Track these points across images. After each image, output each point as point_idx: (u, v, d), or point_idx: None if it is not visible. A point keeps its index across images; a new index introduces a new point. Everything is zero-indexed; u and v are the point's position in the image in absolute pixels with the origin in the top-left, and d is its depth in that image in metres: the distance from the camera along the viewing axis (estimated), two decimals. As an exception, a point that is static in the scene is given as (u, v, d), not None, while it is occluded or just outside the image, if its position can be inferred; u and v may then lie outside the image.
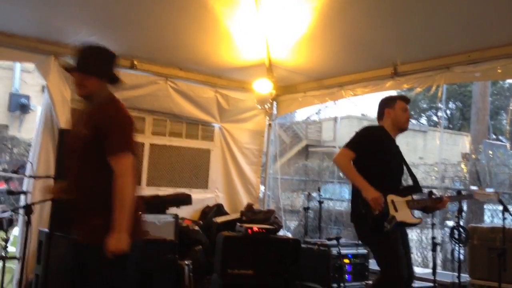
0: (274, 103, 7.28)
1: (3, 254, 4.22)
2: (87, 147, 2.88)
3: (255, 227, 5.15)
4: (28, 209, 3.78)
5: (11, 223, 4.38)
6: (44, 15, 5.12)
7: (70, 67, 3.04)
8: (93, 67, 3.00)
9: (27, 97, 15.92)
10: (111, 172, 2.82)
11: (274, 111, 7.33)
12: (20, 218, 4.60)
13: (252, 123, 7.29)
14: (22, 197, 5.02)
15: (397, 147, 4.26)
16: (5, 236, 4.32)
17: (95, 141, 2.84)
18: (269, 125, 7.35)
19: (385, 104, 4.29)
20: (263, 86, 6.83)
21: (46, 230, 4.59)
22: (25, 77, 15.84)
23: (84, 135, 2.88)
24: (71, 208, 2.96)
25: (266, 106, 7.22)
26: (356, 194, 4.00)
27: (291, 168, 15.22)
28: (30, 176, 4.98)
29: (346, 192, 11.10)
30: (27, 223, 3.92)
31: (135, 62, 6.01)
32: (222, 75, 6.80)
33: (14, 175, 4.64)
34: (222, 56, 6.30)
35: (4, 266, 4.22)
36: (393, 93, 5.47)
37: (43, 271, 4.49)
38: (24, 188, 5.15)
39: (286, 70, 6.57)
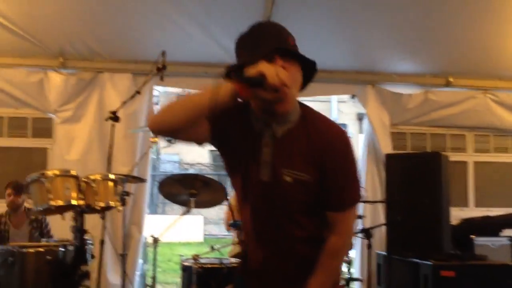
0: None
1: (347, 276, 4.54)
2: (304, 198, 1.82)
3: None
4: (368, 233, 4.01)
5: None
6: (359, 48, 5.44)
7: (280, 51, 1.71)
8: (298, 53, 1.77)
9: (345, 125, 17.13)
10: (323, 227, 1.87)
11: None
12: (359, 241, 4.90)
13: None
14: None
15: None
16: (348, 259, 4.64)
17: (317, 190, 1.80)
18: None
19: None
20: None
21: (384, 253, 4.78)
22: (341, 107, 17.07)
23: (304, 179, 1.78)
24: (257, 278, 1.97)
25: None
26: None
27: None
28: (365, 201, 5.27)
29: None
30: (368, 246, 4.15)
31: (451, 79, 5.85)
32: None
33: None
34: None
35: (348, 288, 4.52)
36: None
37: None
38: (360, 213, 5.48)
39: None
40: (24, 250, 3.48)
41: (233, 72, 1.64)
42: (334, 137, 1.81)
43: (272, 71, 1.63)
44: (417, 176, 4.79)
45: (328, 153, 1.78)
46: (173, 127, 1.73)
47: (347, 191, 1.85)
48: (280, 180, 1.79)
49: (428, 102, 5.92)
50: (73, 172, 3.50)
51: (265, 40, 1.73)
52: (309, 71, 1.80)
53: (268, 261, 1.91)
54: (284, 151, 1.80)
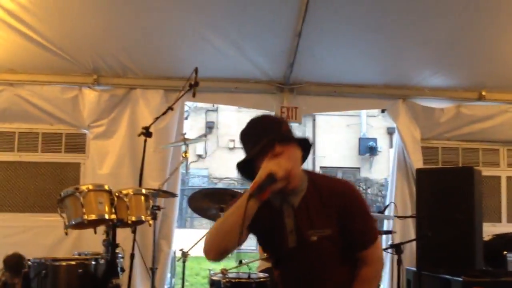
0: None
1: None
2: (332, 249, 2.15)
3: None
4: (398, 248, 3.96)
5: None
6: (390, 63, 5.41)
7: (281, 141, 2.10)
8: (291, 137, 2.16)
9: (375, 140, 16.95)
10: (353, 263, 2.21)
11: None
12: (389, 257, 4.86)
13: None
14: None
15: None
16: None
17: (340, 239, 2.14)
18: None
19: None
20: None
21: (414, 268, 4.71)
22: (370, 121, 16.94)
23: (327, 234, 2.11)
24: None
25: None
26: None
27: None
28: (396, 216, 5.23)
29: None
30: (398, 262, 4.10)
31: (483, 93, 5.77)
32: None
33: (381, 216, 4.92)
34: None
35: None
36: None
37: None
38: (387, 228, 5.47)
39: None
40: (57, 263, 3.52)
41: (252, 194, 1.96)
42: (342, 189, 2.16)
43: (276, 166, 1.98)
44: (449, 191, 4.72)
45: (341, 204, 2.11)
46: (228, 250, 2.09)
47: (366, 231, 2.17)
48: (307, 241, 2.12)
49: (461, 116, 5.83)
50: (106, 187, 3.54)
51: (264, 133, 2.08)
52: (306, 145, 2.15)
53: None
54: (304, 215, 2.13)
